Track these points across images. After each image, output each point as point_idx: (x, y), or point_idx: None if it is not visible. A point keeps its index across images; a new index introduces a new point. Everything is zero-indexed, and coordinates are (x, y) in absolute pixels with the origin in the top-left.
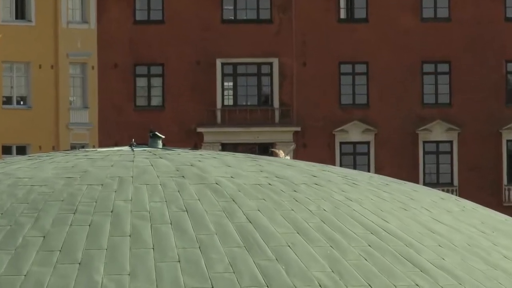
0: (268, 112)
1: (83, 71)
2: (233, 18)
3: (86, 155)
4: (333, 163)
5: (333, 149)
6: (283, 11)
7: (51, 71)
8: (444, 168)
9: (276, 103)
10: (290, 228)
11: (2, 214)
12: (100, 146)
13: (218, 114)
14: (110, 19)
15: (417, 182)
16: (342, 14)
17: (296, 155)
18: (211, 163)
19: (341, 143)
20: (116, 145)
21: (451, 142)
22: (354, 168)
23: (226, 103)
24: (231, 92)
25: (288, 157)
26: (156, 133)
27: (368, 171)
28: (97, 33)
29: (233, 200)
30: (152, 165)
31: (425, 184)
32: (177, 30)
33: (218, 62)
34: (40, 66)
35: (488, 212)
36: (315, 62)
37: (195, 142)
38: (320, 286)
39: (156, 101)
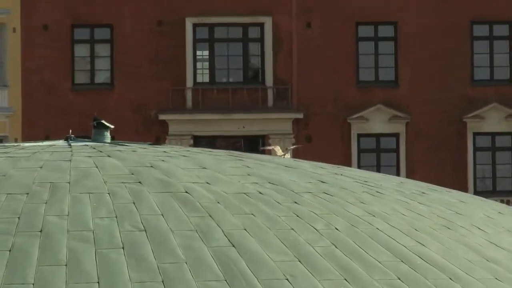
0: (257, 92)
1: (0, 35)
2: None
3: (5, 153)
4: (348, 163)
5: (349, 144)
6: None
7: None
8: (503, 171)
9: (269, 81)
10: (289, 254)
11: None
12: (25, 139)
13: (189, 95)
14: None
15: (465, 190)
16: None
17: (298, 153)
18: (179, 164)
19: (359, 135)
20: (48, 138)
21: None
22: (378, 170)
23: (199, 80)
24: (206, 64)
25: (288, 155)
26: (102, 121)
27: (397, 174)
28: None
29: (210, 216)
30: (97, 167)
31: (476, 192)
32: None
33: (188, 23)
34: None
35: None
36: (323, 22)
37: (157, 135)
38: None
39: (102, 77)
